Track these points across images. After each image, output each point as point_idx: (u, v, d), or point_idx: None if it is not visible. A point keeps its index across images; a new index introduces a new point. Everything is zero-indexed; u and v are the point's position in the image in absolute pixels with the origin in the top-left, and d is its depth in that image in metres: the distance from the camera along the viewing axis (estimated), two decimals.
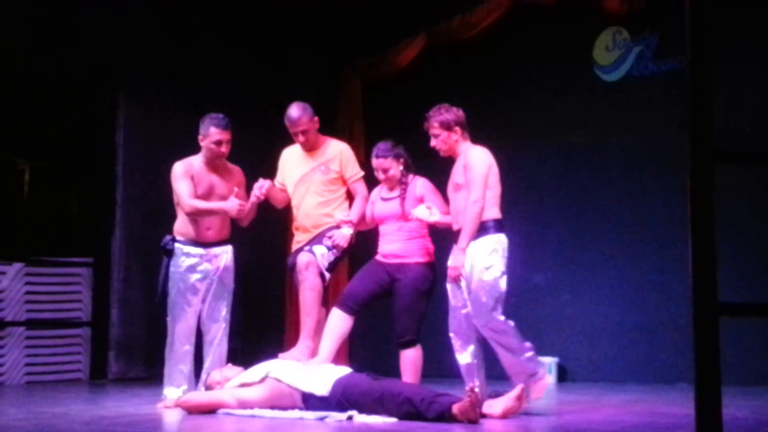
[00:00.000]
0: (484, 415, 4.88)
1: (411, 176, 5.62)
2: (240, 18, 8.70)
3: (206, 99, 7.89)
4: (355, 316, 5.53)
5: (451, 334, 5.25)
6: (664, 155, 7.55)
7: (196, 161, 5.90)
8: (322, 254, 5.67)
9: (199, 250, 5.87)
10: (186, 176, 5.82)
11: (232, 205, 5.76)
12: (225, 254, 5.96)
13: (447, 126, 5.17)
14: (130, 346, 8.08)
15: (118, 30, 7.96)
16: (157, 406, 5.71)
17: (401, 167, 5.58)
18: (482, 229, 5.06)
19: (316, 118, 5.86)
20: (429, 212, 5.39)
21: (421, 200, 5.52)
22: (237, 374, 5.43)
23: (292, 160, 6.01)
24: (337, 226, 5.76)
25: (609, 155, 8.04)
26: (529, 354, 5.11)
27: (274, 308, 8.78)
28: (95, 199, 8.27)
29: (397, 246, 5.56)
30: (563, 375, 7.95)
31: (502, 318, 5.07)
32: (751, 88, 7.37)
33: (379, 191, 5.74)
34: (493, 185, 5.12)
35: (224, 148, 5.83)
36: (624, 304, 7.81)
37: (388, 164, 5.57)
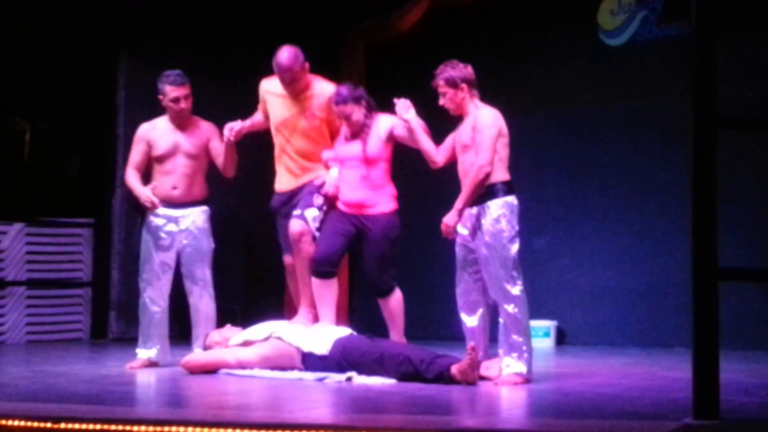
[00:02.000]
0: (482, 377, 4.92)
1: (374, 115, 5.46)
2: None
3: (207, 61, 7.85)
4: (336, 276, 5.49)
5: (459, 297, 5.05)
6: (667, 120, 7.51)
7: (162, 121, 5.86)
8: (314, 217, 5.53)
9: (166, 211, 5.77)
10: (140, 141, 5.84)
11: (145, 195, 5.67)
12: (194, 216, 5.79)
13: (453, 83, 5.00)
14: (130, 306, 8.06)
15: None
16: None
17: (363, 110, 5.43)
18: (490, 192, 4.86)
19: (306, 65, 5.58)
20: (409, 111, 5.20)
21: (385, 139, 5.41)
22: (236, 334, 5.46)
23: (274, 97, 5.72)
24: (326, 166, 5.59)
25: (612, 120, 8.00)
26: (526, 348, 4.82)
27: (274, 271, 8.78)
28: (96, 160, 8.25)
29: (361, 194, 5.44)
30: (562, 338, 7.97)
31: (518, 291, 4.81)
32: (755, 54, 7.32)
33: (344, 132, 5.56)
34: (501, 148, 4.92)
35: (183, 104, 5.74)
36: (624, 269, 7.81)
37: (349, 110, 5.40)
